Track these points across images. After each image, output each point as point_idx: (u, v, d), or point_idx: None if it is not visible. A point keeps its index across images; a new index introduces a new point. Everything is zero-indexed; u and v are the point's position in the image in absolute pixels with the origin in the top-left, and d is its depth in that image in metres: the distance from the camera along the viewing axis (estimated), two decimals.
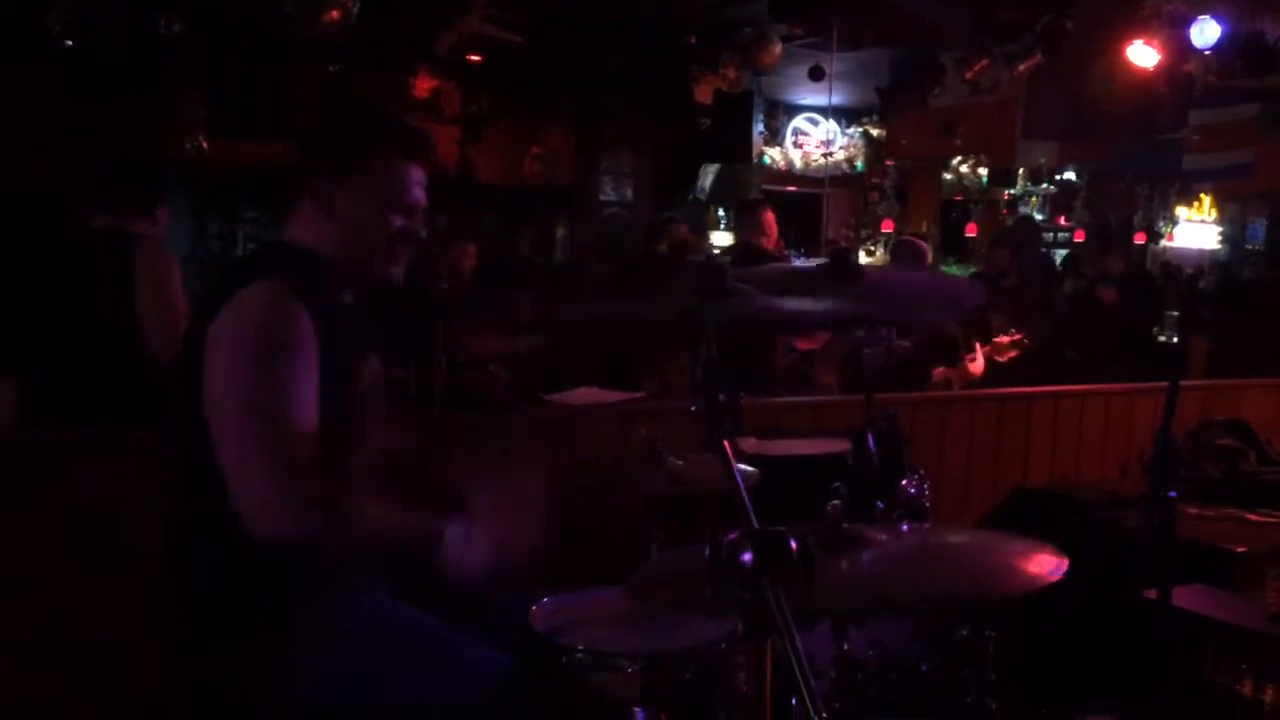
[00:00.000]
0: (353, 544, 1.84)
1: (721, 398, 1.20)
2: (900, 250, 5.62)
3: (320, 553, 1.81)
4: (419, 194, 2.07)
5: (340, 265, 2.03)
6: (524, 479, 1.96)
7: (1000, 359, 5.01)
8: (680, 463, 2.39)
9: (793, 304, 1.75)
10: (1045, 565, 1.48)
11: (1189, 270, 10.81)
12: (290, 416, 1.81)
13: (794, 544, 1.06)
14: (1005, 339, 5.01)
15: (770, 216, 5.20)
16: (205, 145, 7.71)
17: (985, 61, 7.19)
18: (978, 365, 4.86)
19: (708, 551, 1.06)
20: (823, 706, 0.93)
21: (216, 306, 1.87)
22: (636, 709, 1.68)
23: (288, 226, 2.06)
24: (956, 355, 4.83)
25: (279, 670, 1.85)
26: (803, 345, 4.94)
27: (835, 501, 1.58)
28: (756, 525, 1.08)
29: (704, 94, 7.93)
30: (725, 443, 1.16)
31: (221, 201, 8.50)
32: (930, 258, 5.61)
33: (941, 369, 4.78)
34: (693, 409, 1.21)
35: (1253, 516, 3.67)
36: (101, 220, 3.28)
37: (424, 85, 8.69)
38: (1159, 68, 6.47)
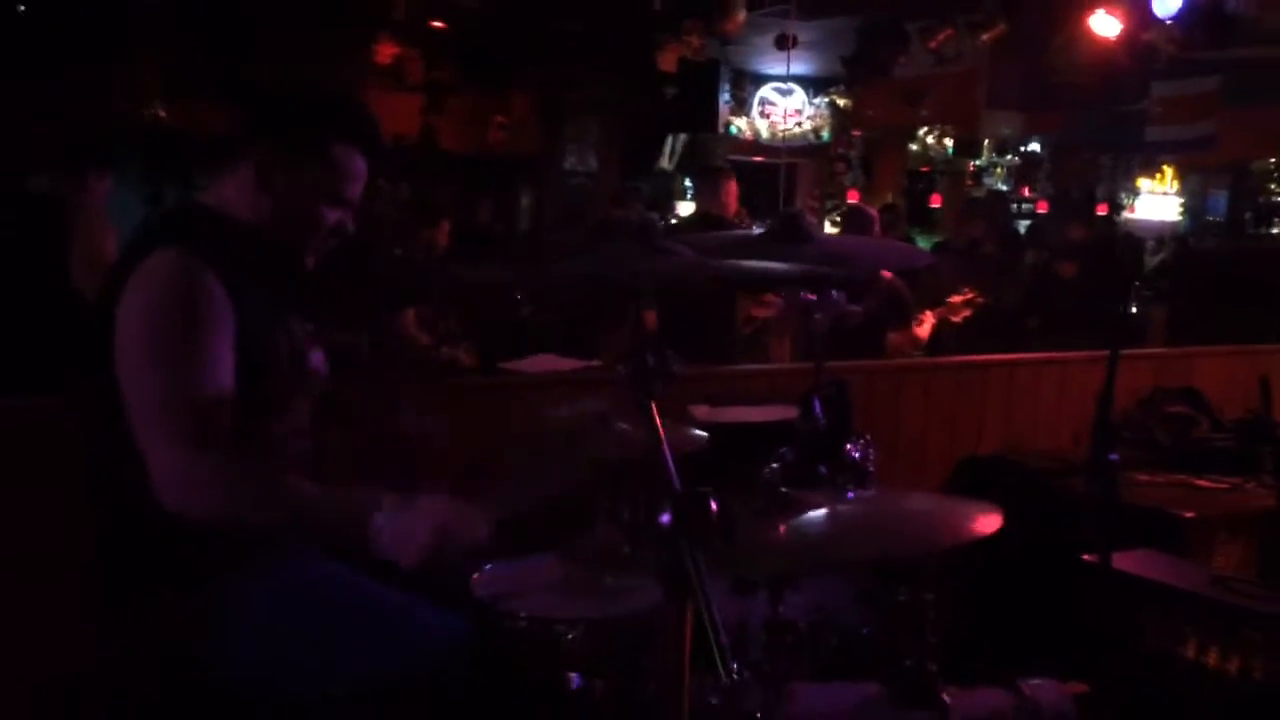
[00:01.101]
0: (272, 523, 1.79)
1: (650, 361, 1.19)
2: (851, 217, 5.70)
3: (237, 530, 1.77)
4: (357, 190, 2.02)
5: (262, 235, 1.98)
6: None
7: (955, 319, 5.04)
8: (628, 428, 2.38)
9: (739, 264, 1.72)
10: (981, 521, 1.48)
11: (1150, 241, 10.89)
12: (203, 387, 1.77)
13: (714, 505, 1.05)
14: (959, 298, 5.04)
15: (731, 185, 5.18)
16: (163, 112, 7.59)
17: (949, 31, 7.19)
18: (924, 330, 4.90)
19: (627, 512, 1.05)
20: (734, 667, 0.93)
21: (127, 272, 1.83)
22: (572, 674, 1.68)
23: (214, 186, 2.01)
24: (909, 319, 4.86)
25: (212, 639, 1.83)
26: (759, 313, 4.96)
27: (774, 465, 1.57)
28: (678, 487, 1.08)
29: (668, 62, 7.87)
30: (651, 405, 1.15)
31: (178, 168, 8.37)
32: (879, 225, 5.66)
33: (894, 334, 4.82)
34: (621, 371, 1.20)
35: (1202, 482, 3.73)
36: (37, 184, 3.23)
37: (386, 52, 8.58)
38: (1120, 38, 6.48)
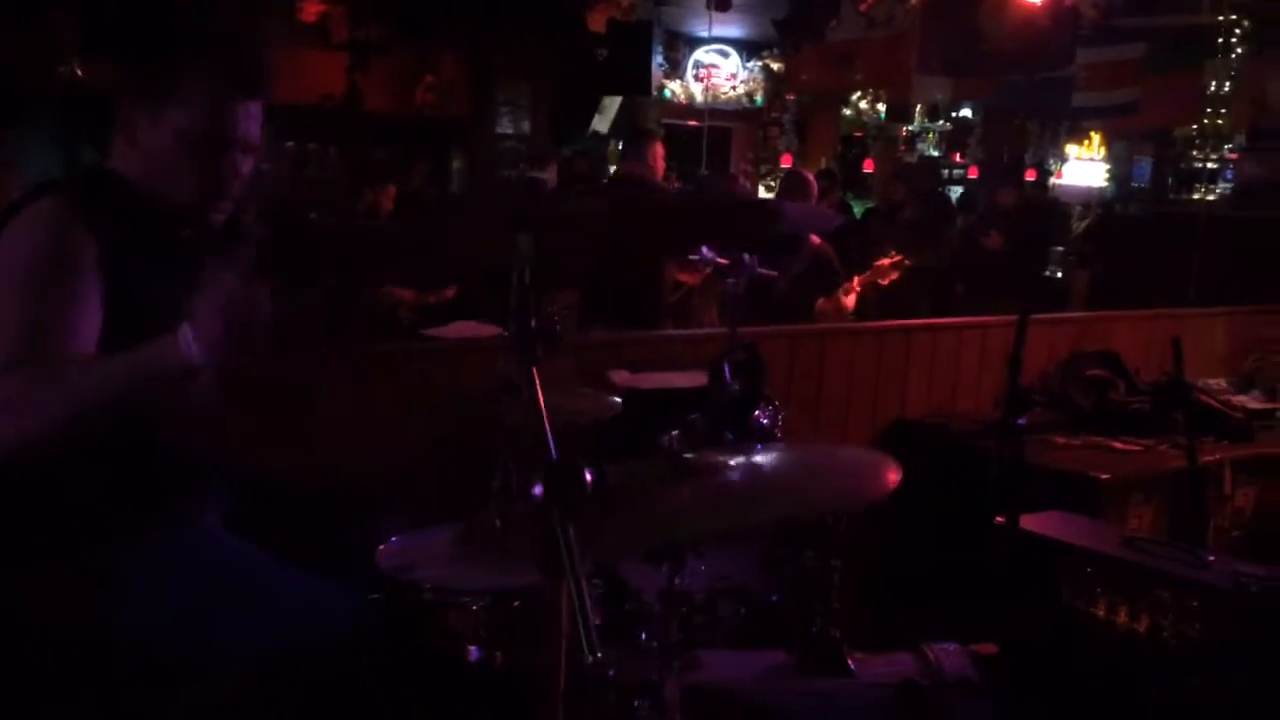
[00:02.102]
0: (80, 410, 1.67)
1: (533, 324, 1.15)
2: (789, 181, 5.69)
3: (56, 431, 1.66)
4: (249, 128, 1.92)
5: (156, 198, 1.89)
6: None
7: (883, 281, 5.06)
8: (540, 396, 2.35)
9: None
10: (884, 477, 1.46)
11: (1078, 207, 11.04)
12: (44, 319, 1.70)
13: (588, 476, 1.02)
14: (886, 261, 5.05)
15: (658, 147, 5.13)
16: (80, 71, 7.34)
17: None
18: (851, 299, 4.92)
19: (498, 484, 1.01)
20: (599, 645, 0.90)
21: (6, 222, 1.78)
22: (470, 646, 1.65)
23: (110, 153, 1.93)
24: (835, 286, 4.87)
25: (105, 610, 1.77)
26: (685, 279, 4.93)
27: (674, 432, 1.55)
28: (554, 457, 1.04)
29: (597, 22, 7.79)
30: (533, 370, 1.11)
31: (96, 130, 8.10)
32: (816, 190, 5.65)
33: (821, 300, 4.82)
34: (504, 334, 1.16)
35: (1117, 444, 3.78)
36: None
37: (311, 9, 8.38)
38: (1046, 3, 6.52)
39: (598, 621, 1.16)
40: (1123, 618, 2.56)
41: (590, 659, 0.90)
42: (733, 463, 1.58)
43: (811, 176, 5.73)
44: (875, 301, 5.37)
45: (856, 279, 5.09)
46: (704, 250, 2.43)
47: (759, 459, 1.63)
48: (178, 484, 1.95)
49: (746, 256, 2.35)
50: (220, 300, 1.68)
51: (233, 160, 1.91)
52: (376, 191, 5.93)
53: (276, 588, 1.87)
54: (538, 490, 1.00)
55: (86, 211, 1.78)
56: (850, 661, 1.79)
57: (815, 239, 4.95)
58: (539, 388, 1.11)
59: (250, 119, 1.92)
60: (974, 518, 2.89)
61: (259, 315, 1.70)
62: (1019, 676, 2.21)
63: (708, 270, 5.01)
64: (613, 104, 10.70)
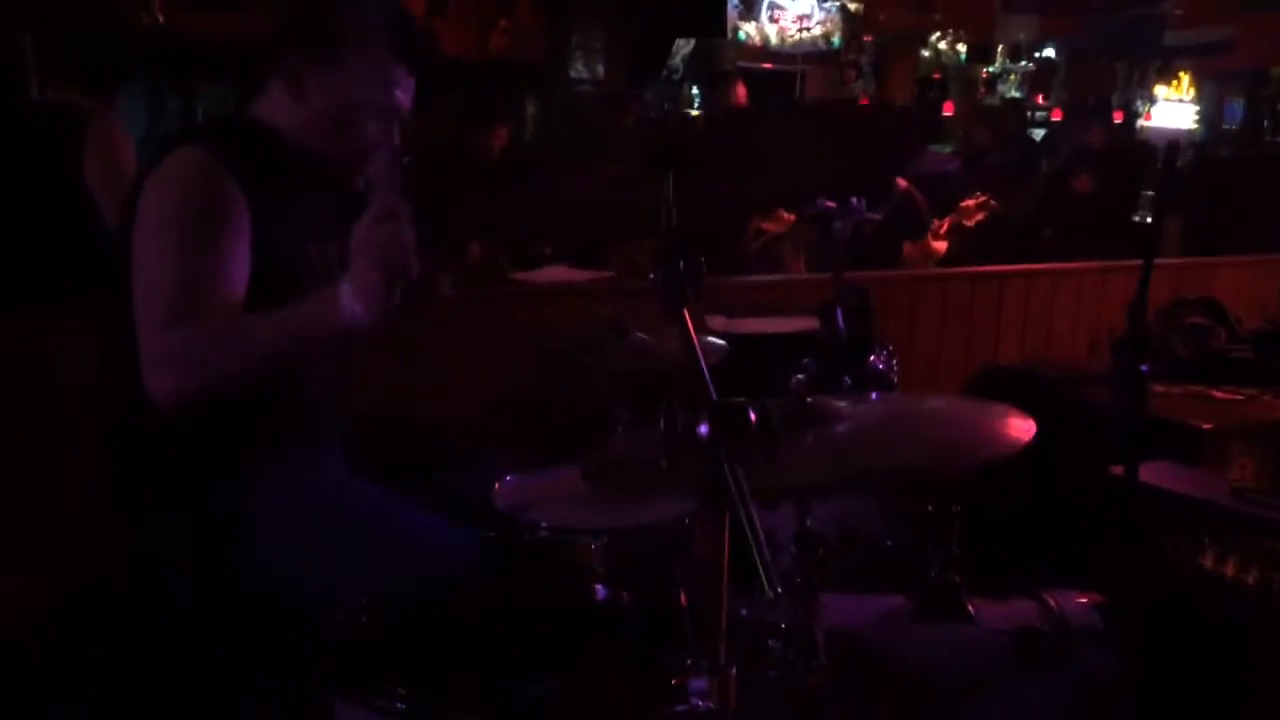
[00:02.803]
0: (252, 363, 1.71)
1: (682, 265, 1.14)
2: None
3: (223, 386, 1.70)
4: (403, 99, 1.95)
5: (305, 152, 1.93)
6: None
7: (969, 223, 4.94)
8: (646, 338, 2.35)
9: None
10: (1015, 429, 1.44)
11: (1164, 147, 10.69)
12: (202, 272, 1.73)
13: (753, 416, 1.02)
14: (971, 202, 4.92)
15: (740, 89, 5.05)
16: (162, 18, 7.41)
17: None
18: (942, 245, 4.81)
19: (663, 423, 1.02)
20: (779, 581, 0.91)
21: (150, 170, 1.81)
22: (597, 585, 1.67)
23: (254, 102, 1.96)
24: (924, 229, 4.77)
25: (224, 546, 1.82)
26: (769, 228, 4.87)
27: (800, 376, 1.54)
28: (715, 396, 1.04)
29: None
30: (685, 311, 1.11)
31: (179, 77, 8.19)
32: None
33: (908, 245, 4.73)
34: (651, 276, 1.16)
35: (1218, 393, 3.69)
36: (53, 95, 3.16)
37: None
38: None
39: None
40: (1231, 569, 2.52)
41: (771, 594, 0.90)
42: (855, 410, 1.57)
43: None
44: (959, 246, 5.25)
45: (944, 222, 4.98)
46: None
47: (881, 410, 1.61)
48: (302, 423, 1.99)
49: (854, 200, 2.32)
50: (374, 253, 1.65)
51: (390, 130, 1.94)
52: (485, 133, 5.83)
53: (398, 525, 1.90)
54: (703, 429, 1.01)
55: (229, 160, 1.80)
56: (970, 607, 1.78)
57: (902, 182, 4.85)
58: (691, 328, 1.10)
59: (407, 90, 1.96)
60: (1075, 465, 2.85)
61: (412, 267, 1.67)
62: (1129, 627, 2.19)
63: (792, 218, 4.95)
64: (685, 46, 10.54)
